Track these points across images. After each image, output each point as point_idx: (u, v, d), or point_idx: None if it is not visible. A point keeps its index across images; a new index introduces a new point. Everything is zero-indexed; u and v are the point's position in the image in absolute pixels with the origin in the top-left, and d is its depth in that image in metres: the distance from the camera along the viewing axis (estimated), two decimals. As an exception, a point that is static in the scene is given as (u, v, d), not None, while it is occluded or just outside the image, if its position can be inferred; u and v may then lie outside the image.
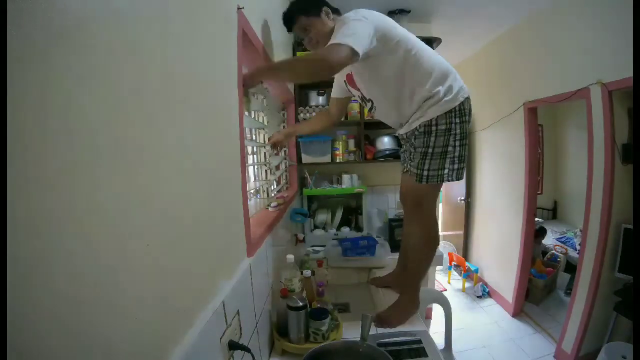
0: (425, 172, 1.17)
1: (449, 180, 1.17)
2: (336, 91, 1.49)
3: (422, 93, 1.14)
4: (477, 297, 3.33)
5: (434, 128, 1.14)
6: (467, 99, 1.18)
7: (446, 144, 1.14)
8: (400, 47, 1.13)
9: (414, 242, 1.27)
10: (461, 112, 1.15)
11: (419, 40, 1.19)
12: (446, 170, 1.16)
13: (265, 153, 1.67)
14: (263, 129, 1.67)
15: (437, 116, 1.13)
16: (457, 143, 1.15)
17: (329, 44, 1.02)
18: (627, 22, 1.73)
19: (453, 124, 1.14)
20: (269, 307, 1.14)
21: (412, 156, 1.21)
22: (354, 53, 1.00)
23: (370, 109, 1.34)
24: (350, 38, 1.00)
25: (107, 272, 0.38)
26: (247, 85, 1.01)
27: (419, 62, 1.14)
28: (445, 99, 1.13)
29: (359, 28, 1.05)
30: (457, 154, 1.16)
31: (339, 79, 1.43)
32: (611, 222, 2.05)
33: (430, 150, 1.15)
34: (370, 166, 2.52)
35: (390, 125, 1.35)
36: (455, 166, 1.17)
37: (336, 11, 1.25)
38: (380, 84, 1.21)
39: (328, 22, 1.20)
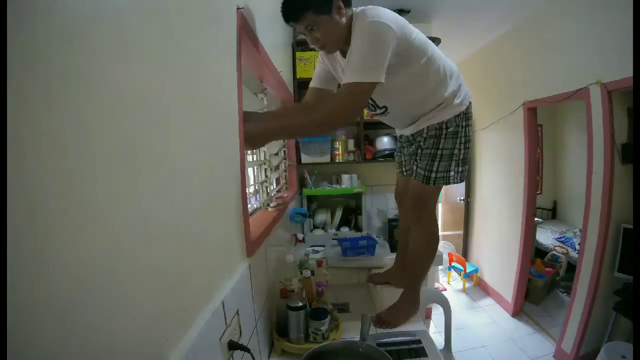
0: (433, 174, 1.17)
1: (454, 182, 1.19)
2: (320, 81, 1.27)
3: (439, 96, 1.13)
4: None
5: (444, 131, 1.15)
6: (471, 103, 1.20)
7: (453, 146, 1.16)
8: (421, 54, 1.06)
9: (416, 243, 1.27)
10: (467, 116, 1.17)
11: (430, 41, 1.12)
12: (452, 173, 1.18)
13: (264, 152, 1.67)
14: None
15: (448, 119, 1.14)
16: (463, 146, 1.17)
17: (346, 82, 0.96)
18: (626, 22, 1.73)
19: (461, 127, 1.16)
20: (269, 307, 1.14)
21: (418, 158, 1.21)
22: (376, 85, 0.96)
23: (381, 114, 1.25)
24: (372, 73, 0.94)
25: (105, 273, 0.38)
26: (254, 147, 0.93)
27: (437, 66, 1.10)
28: (456, 102, 1.14)
29: (380, 51, 0.95)
30: (462, 156, 1.18)
31: (324, 68, 1.25)
32: (611, 222, 2.05)
33: (439, 152, 1.16)
34: (369, 166, 2.52)
35: (395, 127, 1.33)
36: (460, 169, 1.20)
37: (348, 3, 1.04)
38: (398, 91, 1.13)
39: (340, 20, 1.02)
